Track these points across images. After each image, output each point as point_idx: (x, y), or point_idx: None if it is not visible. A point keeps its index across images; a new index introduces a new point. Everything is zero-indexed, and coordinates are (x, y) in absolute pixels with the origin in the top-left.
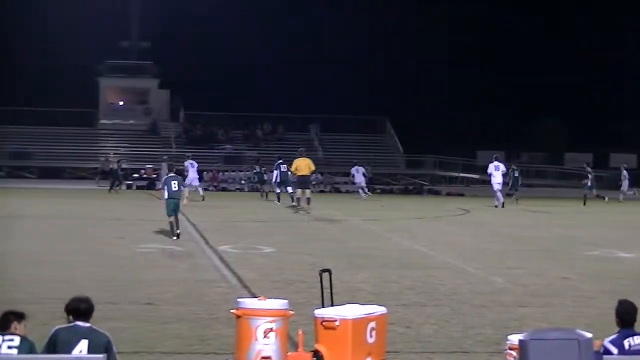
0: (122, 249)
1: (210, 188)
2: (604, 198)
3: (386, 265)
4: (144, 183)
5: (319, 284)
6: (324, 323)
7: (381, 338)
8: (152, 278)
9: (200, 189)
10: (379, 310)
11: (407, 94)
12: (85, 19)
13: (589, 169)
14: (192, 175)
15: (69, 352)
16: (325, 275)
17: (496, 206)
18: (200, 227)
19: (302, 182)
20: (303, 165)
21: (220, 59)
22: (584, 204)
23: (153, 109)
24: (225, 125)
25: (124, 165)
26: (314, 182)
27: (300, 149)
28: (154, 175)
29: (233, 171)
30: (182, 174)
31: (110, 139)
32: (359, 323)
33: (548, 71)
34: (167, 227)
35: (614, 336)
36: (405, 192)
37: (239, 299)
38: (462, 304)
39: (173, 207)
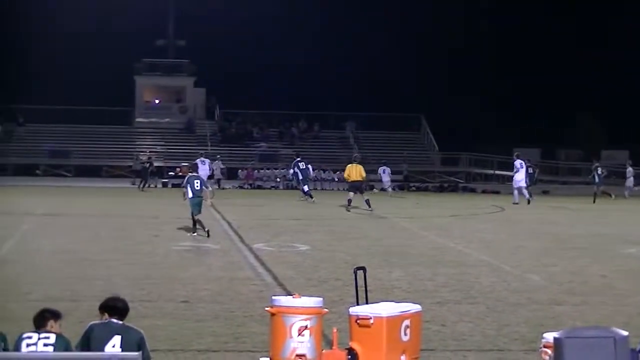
0: (158, 247)
1: (246, 186)
2: (610, 195)
3: (421, 263)
4: (179, 181)
5: (354, 282)
6: (358, 321)
7: (416, 336)
8: (187, 276)
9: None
10: (414, 308)
11: (443, 91)
12: (122, 17)
13: (597, 164)
14: (201, 173)
15: (102, 347)
16: (360, 273)
17: (527, 202)
18: (235, 225)
19: (354, 187)
20: (354, 172)
21: (255, 58)
22: (594, 202)
23: (189, 107)
24: (260, 123)
25: (156, 164)
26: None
27: (355, 155)
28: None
29: (268, 169)
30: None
31: (146, 137)
32: (394, 321)
33: (585, 69)
34: (197, 225)
35: None
36: (441, 189)
37: (273, 297)
38: (497, 301)
39: (198, 206)
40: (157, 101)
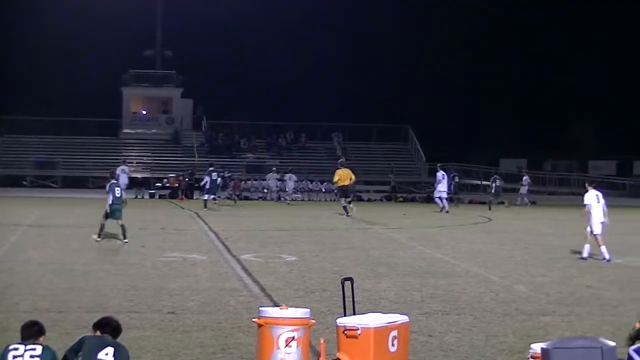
0: (145, 258)
1: (233, 197)
2: (503, 203)
3: (409, 274)
4: (166, 192)
5: (341, 293)
6: (346, 332)
7: (403, 347)
8: (175, 287)
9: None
10: (401, 319)
11: (430, 102)
12: (109, 28)
13: (495, 175)
14: (123, 181)
15: (95, 355)
16: (347, 283)
17: (440, 211)
18: (222, 235)
19: (344, 191)
20: (345, 176)
21: (242, 69)
22: (490, 209)
23: (176, 118)
24: (247, 134)
25: (142, 175)
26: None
27: (341, 159)
28: (177, 185)
29: (255, 180)
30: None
31: (133, 148)
32: (381, 332)
33: (574, 77)
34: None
35: (638, 345)
36: (428, 200)
37: (261, 308)
38: (485, 312)
39: (119, 212)
40: (144, 112)
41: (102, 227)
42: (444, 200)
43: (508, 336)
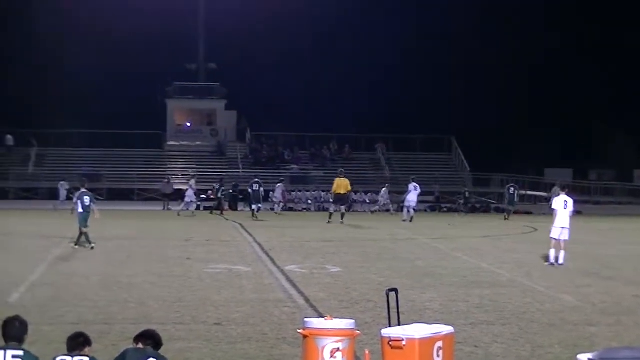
0: (190, 270)
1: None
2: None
3: (453, 284)
4: (211, 204)
5: (386, 303)
6: (390, 343)
7: (449, 357)
8: (220, 298)
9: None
10: (446, 329)
11: (474, 112)
12: (153, 41)
13: (511, 184)
14: (190, 194)
15: None
16: (392, 294)
17: (404, 220)
18: (266, 247)
19: (339, 199)
20: (341, 185)
21: (286, 80)
22: (506, 218)
23: (220, 130)
24: (291, 146)
25: (175, 187)
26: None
27: (340, 169)
28: (212, 197)
29: (300, 191)
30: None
31: (177, 160)
32: (426, 342)
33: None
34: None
35: None
36: (473, 210)
37: (306, 319)
38: (530, 322)
39: (85, 220)
40: (188, 124)
41: (85, 235)
42: (412, 210)
43: (554, 347)
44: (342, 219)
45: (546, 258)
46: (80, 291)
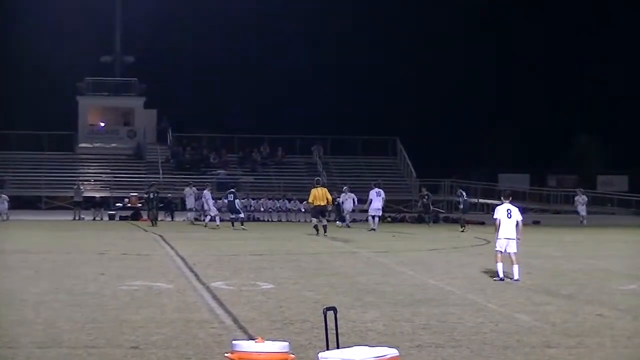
0: (104, 287)
1: (202, 218)
2: (463, 227)
3: (398, 302)
4: (128, 213)
5: (323, 324)
6: None
7: None
8: (138, 319)
9: None
10: (391, 352)
11: (420, 112)
12: (63, 31)
13: (461, 190)
14: (191, 202)
15: None
16: (330, 314)
17: (373, 229)
18: (190, 261)
19: (319, 212)
20: (320, 196)
21: (211, 76)
22: (463, 229)
23: (138, 130)
24: (217, 148)
25: (101, 194)
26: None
27: (317, 178)
28: (139, 205)
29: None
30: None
31: (90, 164)
32: None
33: (579, 86)
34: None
35: None
36: (419, 220)
37: (234, 341)
38: (483, 345)
39: None
40: (102, 124)
41: None
42: (377, 219)
43: None
44: (325, 231)
45: (495, 274)
46: None
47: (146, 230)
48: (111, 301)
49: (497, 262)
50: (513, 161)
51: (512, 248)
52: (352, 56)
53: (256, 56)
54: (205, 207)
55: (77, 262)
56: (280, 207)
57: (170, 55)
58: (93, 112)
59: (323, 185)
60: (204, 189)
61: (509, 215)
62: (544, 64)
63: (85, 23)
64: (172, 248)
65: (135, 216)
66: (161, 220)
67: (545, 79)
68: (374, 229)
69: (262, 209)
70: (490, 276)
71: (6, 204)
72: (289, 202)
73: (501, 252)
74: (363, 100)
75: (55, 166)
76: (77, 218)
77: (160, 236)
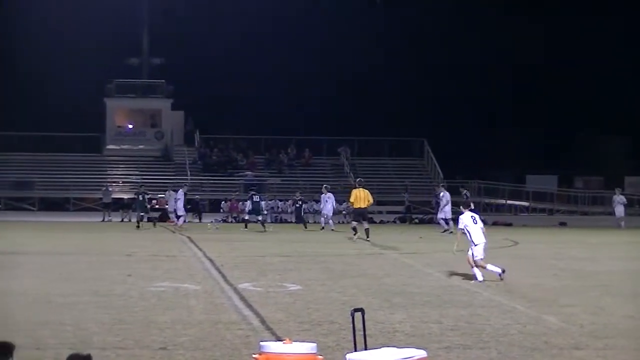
0: (132, 288)
1: (230, 220)
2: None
3: (426, 304)
4: (156, 214)
5: (351, 325)
6: None
7: None
8: (166, 320)
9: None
10: (418, 354)
11: (447, 113)
12: (91, 33)
13: (465, 191)
14: (180, 205)
15: None
16: (358, 315)
17: (323, 228)
18: (218, 262)
19: (360, 214)
20: (362, 197)
21: (238, 77)
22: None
23: (165, 132)
24: (245, 150)
25: (129, 196)
26: (344, 212)
27: (358, 179)
28: (167, 206)
29: (316, 201)
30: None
31: (118, 166)
32: None
33: (608, 86)
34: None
35: None
36: (446, 222)
37: (261, 343)
38: (511, 346)
39: None
40: (130, 126)
41: None
42: (331, 222)
43: None
44: (367, 236)
45: (473, 277)
46: (9, 312)
47: (174, 232)
48: (139, 302)
49: (475, 267)
50: (540, 162)
51: (481, 254)
52: (379, 57)
53: (283, 57)
54: (174, 207)
55: (105, 263)
56: (307, 208)
57: (197, 57)
58: (120, 114)
59: (364, 187)
60: (180, 189)
61: (475, 222)
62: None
63: (112, 25)
64: (200, 249)
65: (163, 218)
66: (189, 222)
67: (572, 80)
68: (332, 229)
69: (289, 211)
70: (499, 277)
71: None
72: (316, 204)
73: (475, 258)
74: (390, 102)
75: (83, 168)
76: (105, 220)
77: (188, 237)
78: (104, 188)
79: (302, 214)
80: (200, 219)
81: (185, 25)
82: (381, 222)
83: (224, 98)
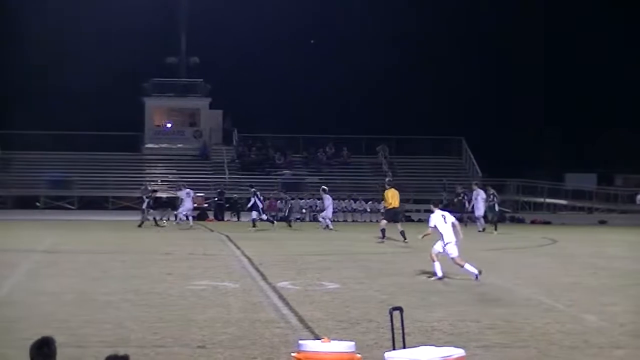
0: (171, 287)
1: (268, 218)
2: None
3: (464, 302)
4: (194, 213)
5: (389, 324)
6: None
7: None
8: (204, 318)
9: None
10: (457, 352)
11: (485, 111)
12: (128, 33)
13: (492, 191)
14: (187, 205)
15: None
16: (396, 313)
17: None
18: (256, 261)
19: (395, 213)
20: (395, 197)
21: (276, 76)
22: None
23: (203, 131)
24: (283, 149)
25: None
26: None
27: (388, 179)
28: (205, 205)
29: (293, 199)
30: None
31: (156, 165)
32: None
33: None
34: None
35: None
36: (485, 220)
37: (300, 341)
38: (550, 345)
39: None
40: (168, 125)
41: None
42: (328, 221)
43: None
44: (404, 238)
45: (433, 274)
46: (50, 311)
47: (212, 231)
48: (178, 301)
49: (435, 262)
50: (579, 160)
51: (455, 252)
52: (417, 56)
53: (321, 56)
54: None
55: (144, 262)
56: (345, 207)
57: (236, 55)
58: (159, 113)
59: (394, 187)
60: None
61: (445, 221)
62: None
63: (151, 24)
64: (238, 248)
65: (202, 216)
66: (227, 220)
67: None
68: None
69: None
70: (475, 279)
71: None
72: (355, 202)
73: (452, 257)
74: (428, 100)
75: (122, 167)
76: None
77: (226, 236)
78: (143, 187)
79: (290, 213)
80: (238, 217)
81: (222, 24)
82: (419, 220)
83: (262, 97)
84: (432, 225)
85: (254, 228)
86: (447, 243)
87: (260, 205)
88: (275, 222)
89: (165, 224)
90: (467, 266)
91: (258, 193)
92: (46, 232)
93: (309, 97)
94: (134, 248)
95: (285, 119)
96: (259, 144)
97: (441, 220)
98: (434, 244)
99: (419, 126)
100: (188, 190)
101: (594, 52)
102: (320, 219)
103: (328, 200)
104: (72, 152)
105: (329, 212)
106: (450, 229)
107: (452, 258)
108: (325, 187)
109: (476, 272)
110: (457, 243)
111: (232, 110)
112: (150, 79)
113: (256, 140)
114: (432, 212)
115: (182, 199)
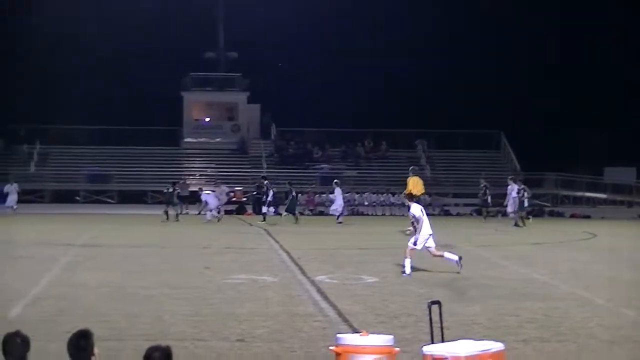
0: (209, 281)
1: (307, 212)
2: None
3: (502, 296)
4: (232, 207)
5: (428, 318)
6: None
7: None
8: (243, 312)
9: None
10: (496, 346)
11: (524, 105)
12: (167, 28)
13: (523, 186)
14: (213, 202)
15: None
16: (435, 307)
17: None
18: (294, 255)
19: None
20: (417, 184)
21: (314, 70)
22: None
23: (242, 125)
24: (321, 143)
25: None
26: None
27: (412, 167)
28: (244, 199)
29: (331, 193)
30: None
31: (195, 159)
32: None
33: None
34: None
35: None
36: (478, 213)
37: (338, 335)
38: (589, 339)
39: None
40: (207, 119)
41: None
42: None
43: None
44: None
45: (402, 269)
46: (89, 304)
47: (251, 225)
48: (216, 295)
49: (408, 258)
50: (619, 154)
51: (432, 243)
52: (457, 51)
53: (359, 50)
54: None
55: (183, 256)
56: (384, 201)
57: (273, 50)
58: (197, 108)
59: (417, 175)
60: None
61: (423, 212)
62: None
63: (190, 19)
64: (277, 242)
65: (240, 210)
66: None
67: None
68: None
69: (366, 203)
70: (457, 265)
71: (16, 195)
72: (393, 196)
73: (428, 247)
74: (467, 94)
75: (160, 161)
76: (182, 212)
77: (265, 230)
78: (182, 181)
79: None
80: (276, 211)
81: (260, 19)
82: (457, 214)
83: (300, 91)
84: (418, 216)
85: (263, 222)
86: (428, 235)
87: (270, 199)
88: (282, 214)
89: (178, 219)
90: (447, 254)
91: (294, 191)
92: (85, 226)
93: (348, 91)
94: (172, 242)
95: (324, 113)
96: (297, 138)
97: (421, 212)
98: (410, 238)
99: (457, 120)
100: (212, 191)
101: (634, 45)
102: (331, 212)
103: (339, 193)
104: (111, 147)
105: (337, 205)
106: (428, 221)
107: (430, 250)
108: (338, 181)
109: (456, 258)
110: (433, 237)
111: (270, 104)
112: (189, 73)
113: (294, 135)
114: (409, 205)
115: (205, 201)
